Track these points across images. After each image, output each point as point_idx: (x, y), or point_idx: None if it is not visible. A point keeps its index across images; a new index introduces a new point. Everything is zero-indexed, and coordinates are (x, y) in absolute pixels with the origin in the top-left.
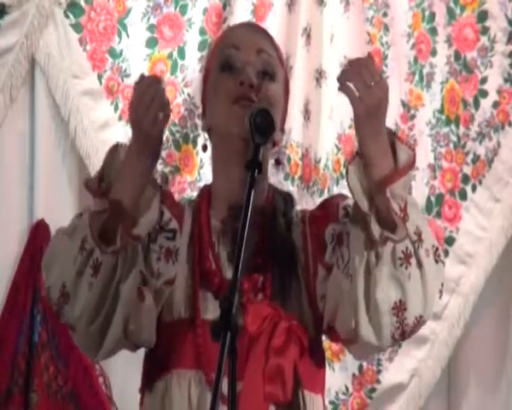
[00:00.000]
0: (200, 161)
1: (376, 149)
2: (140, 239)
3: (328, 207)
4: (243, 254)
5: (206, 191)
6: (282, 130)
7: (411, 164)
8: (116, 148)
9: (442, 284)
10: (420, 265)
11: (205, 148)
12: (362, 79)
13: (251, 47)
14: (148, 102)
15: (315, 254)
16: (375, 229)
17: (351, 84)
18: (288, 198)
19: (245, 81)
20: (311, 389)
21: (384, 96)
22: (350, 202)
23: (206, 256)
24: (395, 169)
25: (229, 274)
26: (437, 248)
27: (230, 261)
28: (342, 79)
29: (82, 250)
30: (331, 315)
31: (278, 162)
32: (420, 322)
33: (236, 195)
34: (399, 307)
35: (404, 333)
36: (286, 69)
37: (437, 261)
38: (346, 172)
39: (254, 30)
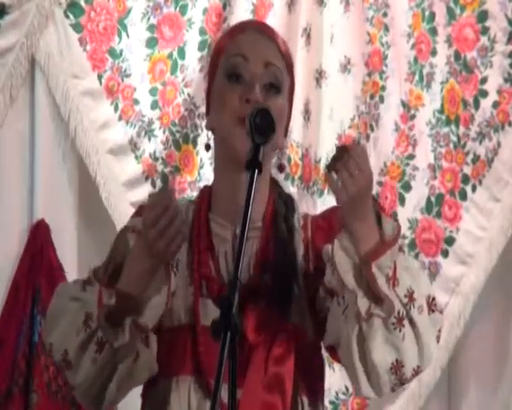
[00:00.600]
0: (200, 160)
1: (362, 228)
2: (148, 329)
3: (331, 220)
4: (244, 260)
5: (206, 193)
6: (286, 135)
7: (397, 235)
8: (124, 233)
9: (440, 330)
10: (413, 324)
11: (208, 147)
12: (346, 169)
13: (259, 59)
14: (164, 226)
15: (316, 268)
16: (362, 304)
17: (334, 174)
18: (288, 202)
19: (251, 100)
20: (311, 396)
21: (367, 184)
22: None
23: (205, 262)
24: (381, 243)
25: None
26: (433, 299)
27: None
28: (329, 168)
29: (86, 327)
30: (332, 342)
31: (281, 168)
32: (418, 371)
33: (238, 200)
34: (397, 367)
35: (404, 384)
36: (293, 73)
37: (433, 311)
38: (332, 248)
39: (263, 37)
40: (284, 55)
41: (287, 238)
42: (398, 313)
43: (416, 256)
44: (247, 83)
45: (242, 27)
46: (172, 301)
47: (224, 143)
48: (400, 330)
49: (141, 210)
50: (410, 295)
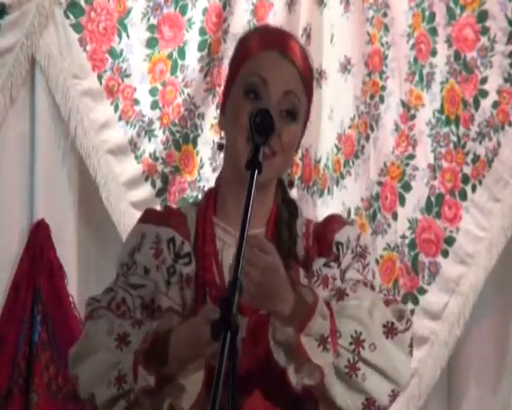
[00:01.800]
0: (200, 160)
1: (280, 308)
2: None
3: (326, 230)
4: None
5: (211, 196)
6: (297, 151)
7: (316, 298)
8: (170, 316)
9: (411, 345)
10: (369, 363)
11: (221, 147)
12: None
13: (278, 86)
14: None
15: None
16: (293, 378)
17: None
18: (292, 208)
19: None
20: (312, 397)
21: (264, 275)
22: (342, 236)
23: (209, 268)
24: (303, 312)
25: None
26: (392, 323)
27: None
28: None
29: (119, 386)
30: None
31: (290, 184)
32: (396, 394)
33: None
34: (369, 404)
35: (386, 408)
36: (311, 92)
37: (395, 334)
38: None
39: (285, 61)
40: (304, 79)
41: (288, 245)
42: (349, 361)
43: (416, 256)
44: (264, 104)
45: (266, 43)
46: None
47: (234, 160)
48: (357, 375)
49: (147, 215)
50: (357, 339)
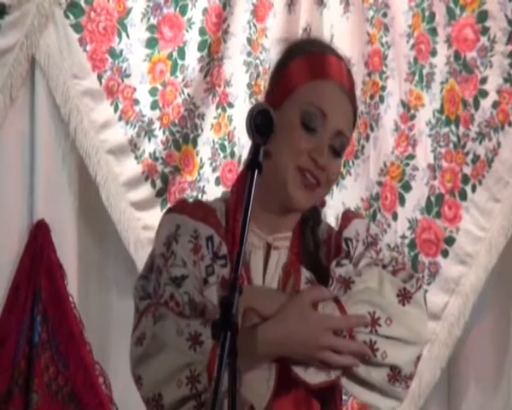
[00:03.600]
0: (200, 160)
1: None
2: None
3: (337, 235)
4: (274, 270)
5: (239, 201)
6: None
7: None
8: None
9: (424, 301)
10: (388, 337)
11: (260, 169)
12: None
13: (335, 124)
14: None
15: None
16: (306, 377)
17: None
18: (315, 213)
19: (319, 163)
20: (328, 400)
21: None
22: (351, 231)
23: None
24: None
25: None
26: (404, 288)
27: (262, 276)
28: None
29: (192, 386)
30: None
31: (323, 204)
32: (420, 356)
33: (275, 212)
34: (394, 375)
35: (414, 376)
36: (356, 121)
37: (410, 297)
38: None
39: (344, 96)
40: (355, 112)
41: (313, 251)
42: (365, 343)
43: (416, 256)
44: (317, 139)
45: (327, 71)
46: None
47: (278, 182)
48: (376, 356)
49: (181, 206)
50: (372, 320)
